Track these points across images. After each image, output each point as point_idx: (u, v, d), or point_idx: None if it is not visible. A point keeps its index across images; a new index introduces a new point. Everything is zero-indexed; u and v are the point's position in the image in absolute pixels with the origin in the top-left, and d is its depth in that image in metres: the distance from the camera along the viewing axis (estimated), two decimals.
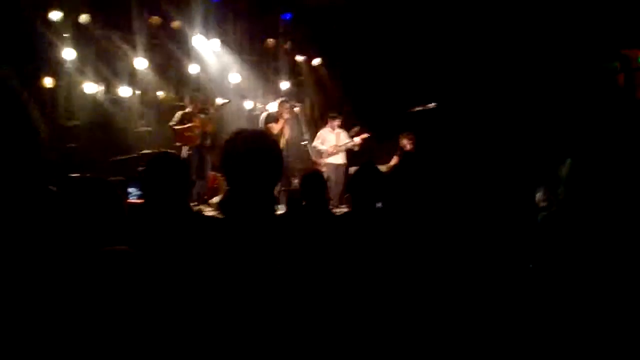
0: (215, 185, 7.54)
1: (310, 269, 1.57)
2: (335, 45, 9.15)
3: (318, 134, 8.17)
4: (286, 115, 7.33)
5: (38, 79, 7.27)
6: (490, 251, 2.41)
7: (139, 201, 5.67)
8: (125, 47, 8.04)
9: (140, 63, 8.11)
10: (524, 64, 6.77)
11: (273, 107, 8.09)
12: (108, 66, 8.17)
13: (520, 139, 6.24)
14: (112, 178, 4.99)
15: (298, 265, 1.54)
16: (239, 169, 1.59)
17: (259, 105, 9.29)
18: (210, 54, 8.79)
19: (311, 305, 1.51)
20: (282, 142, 7.07)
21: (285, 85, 9.62)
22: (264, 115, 7.61)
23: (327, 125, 8.16)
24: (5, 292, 1.25)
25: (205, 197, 7.22)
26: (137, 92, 8.50)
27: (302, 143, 8.04)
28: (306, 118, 8.53)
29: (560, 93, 6.51)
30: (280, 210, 5.11)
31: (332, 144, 8.00)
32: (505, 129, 6.52)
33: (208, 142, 7.19)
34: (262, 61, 9.59)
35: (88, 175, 1.90)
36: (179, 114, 7.23)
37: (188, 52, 8.67)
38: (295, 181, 7.27)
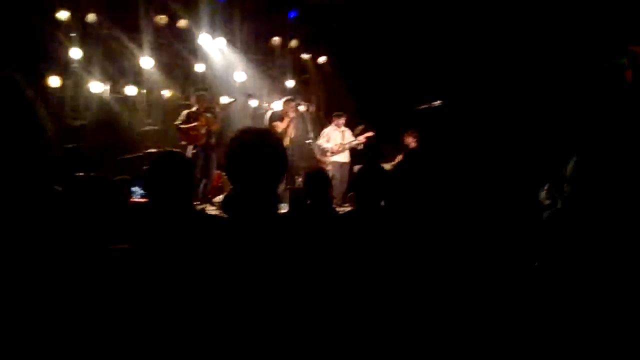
0: (220, 184, 7.56)
1: (314, 267, 1.57)
2: (341, 43, 9.14)
3: (323, 132, 8.17)
4: (291, 114, 7.33)
5: (45, 78, 7.31)
6: (495, 249, 2.40)
7: (142, 200, 5.69)
8: (131, 46, 8.06)
9: (147, 62, 8.14)
10: (530, 61, 6.73)
11: (278, 105, 8.09)
12: (114, 65, 8.20)
13: (526, 137, 6.21)
14: (118, 177, 5.01)
15: (301, 264, 1.54)
16: (243, 168, 1.59)
17: (264, 104, 9.30)
18: (216, 53, 8.81)
19: (314, 304, 1.51)
20: (287, 141, 7.08)
21: (290, 83, 9.63)
22: (268, 113, 7.62)
23: (332, 124, 8.16)
24: (11, 290, 1.26)
25: (210, 195, 7.24)
26: (143, 91, 8.52)
27: (307, 141, 8.05)
28: (311, 116, 8.53)
29: (566, 90, 6.47)
30: (284, 209, 5.12)
31: (338, 142, 8.00)
32: (510, 126, 6.49)
33: (213, 140, 7.20)
34: (267, 60, 9.60)
35: (92, 174, 1.90)
36: (184, 112, 7.25)
37: (194, 51, 8.70)
38: (300, 180, 7.28)
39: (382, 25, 8.33)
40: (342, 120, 8.07)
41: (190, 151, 7.00)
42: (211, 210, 6.47)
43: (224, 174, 7.23)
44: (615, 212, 2.09)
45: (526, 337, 1.96)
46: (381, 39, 8.46)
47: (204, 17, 8.45)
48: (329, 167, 7.56)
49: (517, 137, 6.25)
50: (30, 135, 1.29)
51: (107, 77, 8.13)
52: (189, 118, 7.16)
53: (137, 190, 6.14)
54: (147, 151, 7.17)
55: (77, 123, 7.78)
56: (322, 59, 9.74)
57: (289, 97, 7.78)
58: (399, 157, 7.50)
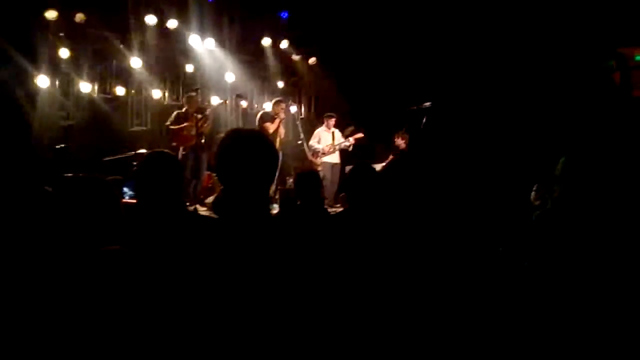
0: (210, 185, 7.54)
1: (305, 268, 1.57)
2: (332, 44, 9.15)
3: (315, 132, 8.20)
4: (282, 115, 7.34)
5: (33, 78, 7.23)
6: (485, 249, 2.41)
7: (132, 201, 5.66)
8: (120, 46, 8.02)
9: (136, 62, 8.10)
10: (519, 62, 6.78)
11: (269, 106, 8.09)
12: (103, 65, 8.15)
13: (515, 138, 6.25)
14: (110, 177, 4.98)
15: (292, 265, 1.53)
16: (234, 169, 1.59)
17: (254, 105, 9.28)
18: (205, 54, 8.78)
19: (306, 305, 1.51)
20: (278, 142, 7.08)
21: (281, 84, 9.62)
22: (259, 114, 7.61)
23: (323, 125, 8.19)
24: (1, 291, 1.25)
25: (201, 196, 7.22)
26: (132, 91, 8.48)
27: (298, 142, 8.05)
28: (302, 117, 8.52)
29: (555, 91, 6.52)
30: (275, 209, 5.12)
31: (329, 143, 8.04)
32: (500, 127, 6.53)
33: (203, 141, 7.18)
34: (258, 60, 9.58)
35: (82, 175, 1.88)
36: (174, 113, 7.23)
37: (184, 52, 8.66)
38: (290, 180, 7.27)
39: (373, 26, 8.36)
40: (332, 121, 8.10)
41: (180, 152, 6.98)
42: (202, 210, 6.44)
43: (214, 174, 7.22)
44: (604, 212, 2.10)
45: (516, 336, 1.97)
46: (372, 40, 8.48)
47: (194, 17, 8.42)
48: (320, 168, 7.58)
49: (508, 138, 6.29)
50: (16, 136, 1.27)
51: (96, 77, 8.08)
52: (179, 119, 7.14)
53: (127, 190, 6.10)
54: (136, 152, 7.13)
55: (66, 123, 7.71)
56: (312, 60, 9.75)
57: (279, 98, 7.79)
58: (390, 158, 7.54)
